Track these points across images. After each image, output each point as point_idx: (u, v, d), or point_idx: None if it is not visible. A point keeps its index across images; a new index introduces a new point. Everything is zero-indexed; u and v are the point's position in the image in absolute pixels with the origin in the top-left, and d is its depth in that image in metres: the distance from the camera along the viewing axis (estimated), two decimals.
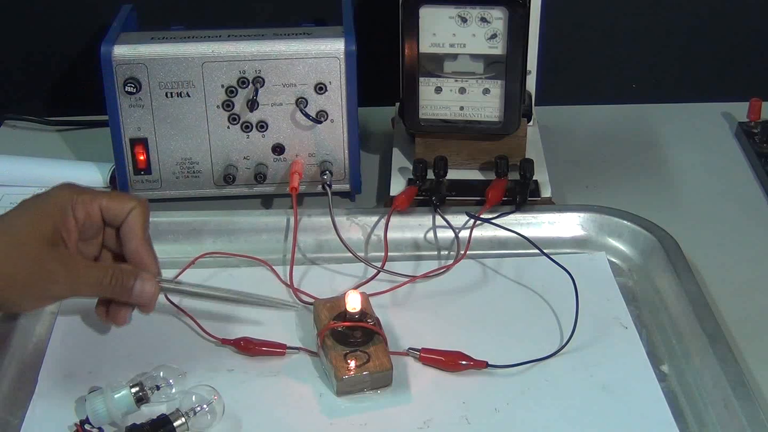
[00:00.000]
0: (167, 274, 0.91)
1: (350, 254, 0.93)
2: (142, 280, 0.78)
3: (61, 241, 0.76)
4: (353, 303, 0.83)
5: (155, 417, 0.75)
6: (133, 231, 0.80)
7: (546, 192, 1.01)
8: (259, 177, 1.03)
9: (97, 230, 0.80)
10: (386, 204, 1.02)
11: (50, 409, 0.78)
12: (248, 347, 0.84)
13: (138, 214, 0.80)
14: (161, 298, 0.89)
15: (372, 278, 0.92)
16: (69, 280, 0.76)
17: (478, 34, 0.96)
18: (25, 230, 0.75)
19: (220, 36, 1.00)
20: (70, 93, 1.26)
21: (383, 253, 0.94)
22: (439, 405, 0.79)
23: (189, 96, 0.99)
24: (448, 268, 0.93)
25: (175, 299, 0.89)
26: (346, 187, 1.04)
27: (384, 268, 0.92)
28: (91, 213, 0.79)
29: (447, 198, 0.99)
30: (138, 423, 0.75)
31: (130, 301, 0.79)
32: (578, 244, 0.98)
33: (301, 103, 1.00)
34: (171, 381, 0.78)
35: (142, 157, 1.02)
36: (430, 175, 1.01)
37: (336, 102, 1.00)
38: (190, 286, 0.83)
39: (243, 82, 0.99)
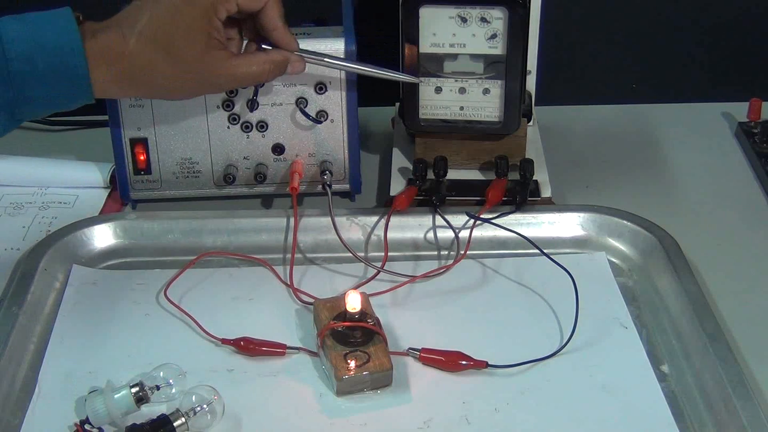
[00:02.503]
0: (167, 274, 0.92)
1: (350, 254, 0.94)
2: (292, 64, 0.89)
3: (216, 45, 0.83)
4: (353, 303, 0.83)
5: (155, 417, 0.75)
6: (274, 22, 0.87)
7: (546, 192, 1.01)
8: (259, 177, 1.03)
9: (242, 17, 0.87)
10: (386, 204, 1.02)
11: (50, 409, 0.78)
12: (248, 347, 0.84)
13: (273, 4, 0.86)
14: (163, 298, 0.89)
15: (372, 278, 0.92)
16: (230, 81, 0.87)
17: (478, 34, 0.96)
18: (184, 47, 0.81)
19: None
20: None
21: (383, 253, 0.94)
22: (439, 405, 0.79)
23: None
24: (448, 268, 0.93)
25: (176, 299, 0.89)
26: (346, 187, 1.04)
27: (384, 268, 0.92)
28: (230, 10, 0.84)
29: (447, 198, 0.99)
30: (138, 423, 0.75)
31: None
32: (578, 244, 0.98)
33: (301, 103, 1.00)
34: (171, 381, 0.78)
35: (142, 157, 1.01)
36: (430, 175, 1.01)
37: (336, 102, 1.00)
38: (328, 57, 0.93)
39: None
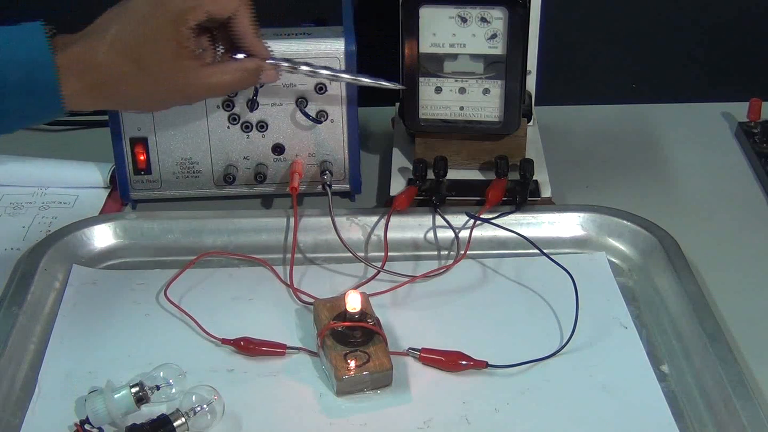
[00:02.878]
0: (167, 274, 0.92)
1: (350, 254, 0.94)
2: (266, 73, 0.87)
3: (186, 55, 0.81)
4: (353, 303, 0.83)
5: (155, 417, 0.75)
6: (245, 29, 0.85)
7: (546, 192, 1.01)
8: (259, 177, 1.03)
9: (212, 25, 0.85)
10: (386, 204, 1.02)
11: (50, 409, 0.78)
12: (248, 347, 0.84)
13: (244, 11, 0.84)
14: (163, 298, 0.89)
15: (372, 278, 0.92)
16: (200, 91, 0.84)
17: (478, 34, 0.96)
18: (153, 57, 0.80)
19: None
20: None
21: (383, 253, 0.94)
22: (439, 405, 0.79)
23: None
24: (448, 268, 0.93)
25: (176, 299, 0.89)
26: (346, 187, 1.04)
27: (384, 268, 0.92)
28: (200, 18, 0.82)
29: (447, 198, 0.99)
30: (138, 423, 0.75)
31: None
32: (578, 244, 0.98)
33: (301, 103, 1.00)
34: (171, 381, 0.78)
35: (142, 157, 1.02)
36: (430, 175, 1.01)
37: (336, 102, 1.00)
38: (302, 65, 0.92)
39: None
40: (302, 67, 0.91)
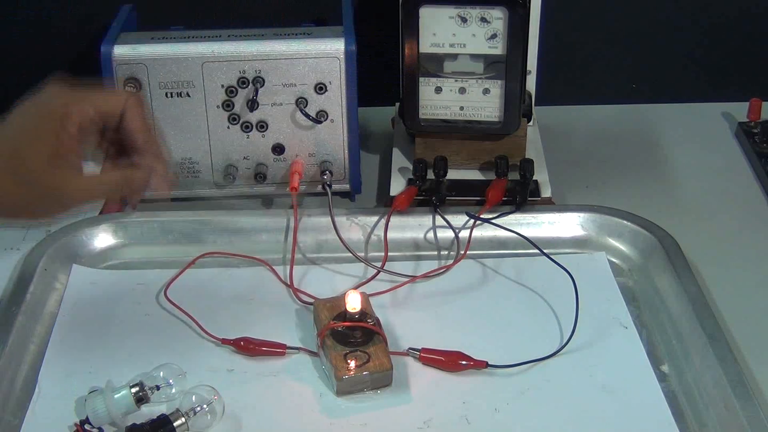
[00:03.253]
0: (167, 274, 0.92)
1: (350, 254, 0.94)
2: (155, 176, 0.78)
3: (67, 154, 0.75)
4: (353, 303, 0.83)
5: (155, 417, 0.75)
6: (134, 127, 0.78)
7: (546, 192, 1.01)
8: (259, 177, 1.03)
9: (95, 128, 0.78)
10: (386, 204, 1.02)
11: (50, 409, 0.78)
12: (248, 347, 0.84)
13: (134, 107, 0.78)
14: (163, 298, 0.89)
15: (372, 278, 0.92)
16: (81, 195, 0.76)
17: (478, 34, 0.96)
18: (27, 155, 0.74)
19: (220, 36, 1.00)
20: None
21: (383, 253, 0.94)
22: (439, 405, 0.79)
23: (189, 96, 0.99)
24: (448, 268, 0.93)
25: (176, 299, 0.89)
26: (346, 187, 1.04)
27: (384, 268, 0.92)
28: (86, 117, 0.76)
29: (447, 198, 0.99)
30: (138, 423, 0.75)
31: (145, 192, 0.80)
32: (578, 244, 0.98)
33: (301, 103, 1.00)
34: (171, 381, 0.78)
35: None
36: (430, 175, 1.01)
37: (336, 102, 1.00)
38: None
39: (243, 82, 0.99)
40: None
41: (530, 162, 1.00)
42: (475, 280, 0.93)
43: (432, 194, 0.98)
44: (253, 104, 0.99)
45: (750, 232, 1.01)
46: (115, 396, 0.76)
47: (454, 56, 0.98)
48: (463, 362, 0.82)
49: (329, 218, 0.96)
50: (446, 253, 0.97)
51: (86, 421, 0.76)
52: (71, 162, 0.75)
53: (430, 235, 0.98)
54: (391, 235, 0.95)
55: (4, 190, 0.74)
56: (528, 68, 1.00)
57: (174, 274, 0.92)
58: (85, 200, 0.78)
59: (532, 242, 0.92)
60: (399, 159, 1.07)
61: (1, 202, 0.74)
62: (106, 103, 0.78)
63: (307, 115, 1.00)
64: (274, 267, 0.94)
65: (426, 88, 0.99)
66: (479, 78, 0.98)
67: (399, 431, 0.77)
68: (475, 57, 0.97)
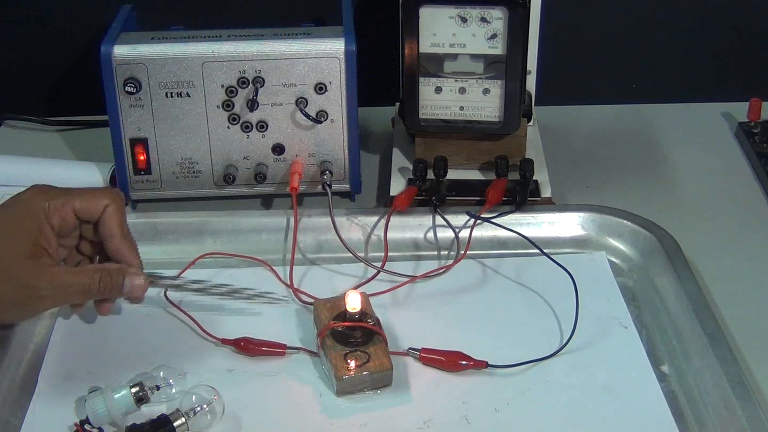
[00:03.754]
0: (167, 274, 0.92)
1: (350, 254, 0.93)
2: (131, 276, 0.79)
3: (43, 253, 0.76)
4: (353, 303, 0.83)
5: (155, 417, 0.75)
6: (111, 229, 0.80)
7: (546, 192, 1.01)
8: (259, 177, 1.03)
9: (75, 228, 0.80)
10: (386, 204, 1.02)
11: (50, 409, 0.78)
12: (248, 347, 0.84)
13: (113, 211, 0.79)
14: (163, 299, 0.89)
15: (372, 278, 0.92)
16: (58, 293, 0.76)
17: (478, 34, 0.96)
18: (6, 251, 0.75)
19: (220, 36, 1.00)
20: (70, 93, 1.26)
21: (383, 253, 0.94)
22: (439, 405, 0.79)
23: (189, 96, 0.99)
24: (448, 268, 0.93)
25: (176, 299, 0.89)
26: (346, 187, 1.04)
27: (384, 268, 0.92)
28: (66, 217, 0.78)
29: (447, 198, 0.99)
30: (138, 423, 0.75)
31: (120, 297, 0.80)
32: (578, 244, 0.98)
33: (301, 103, 1.00)
34: (171, 381, 0.78)
35: (142, 157, 1.02)
36: (430, 175, 1.01)
37: (336, 102, 1.00)
38: (177, 279, 0.86)
39: (243, 82, 0.99)
40: (178, 282, 0.86)
41: (530, 162, 1.00)
42: (475, 280, 0.93)
43: (432, 194, 0.98)
44: (253, 104, 0.99)
45: (750, 232, 1.01)
46: (115, 396, 0.76)
47: (454, 56, 0.98)
48: (463, 362, 0.82)
49: (329, 218, 0.96)
50: (446, 253, 0.97)
51: (86, 421, 0.76)
52: (47, 261, 0.76)
53: (430, 235, 0.98)
54: (391, 235, 0.95)
55: None
56: (528, 68, 1.00)
57: (174, 274, 0.92)
58: (58, 299, 0.78)
59: (532, 242, 0.92)
60: (399, 159, 1.07)
61: None
62: (85, 204, 0.78)
63: (307, 115, 1.00)
64: (274, 267, 0.94)
65: (426, 88, 0.99)
66: (479, 78, 0.98)
67: (399, 431, 0.77)
68: (475, 57, 0.97)
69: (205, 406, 0.76)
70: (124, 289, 0.79)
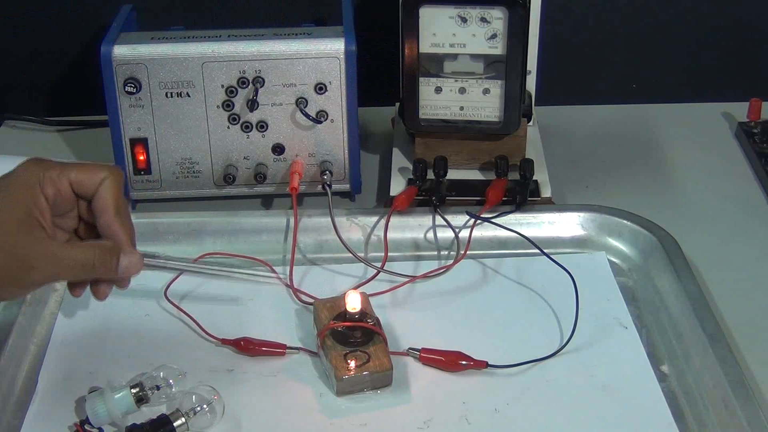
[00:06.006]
0: (167, 274, 0.92)
1: (350, 254, 0.93)
2: (126, 255, 0.76)
3: (36, 224, 0.73)
4: (353, 303, 0.83)
5: (155, 417, 0.75)
6: (105, 203, 0.76)
7: (546, 192, 1.01)
8: (259, 177, 1.03)
9: (71, 204, 0.77)
10: (386, 204, 1.02)
11: (50, 409, 0.78)
12: (248, 347, 0.84)
13: (110, 184, 0.76)
14: (163, 299, 0.89)
15: (372, 278, 0.92)
16: (48, 266, 0.73)
17: (478, 34, 0.96)
18: None
19: (220, 36, 1.00)
20: (70, 93, 1.26)
21: (383, 253, 0.94)
22: (439, 405, 0.79)
23: (189, 96, 0.99)
24: (448, 268, 0.93)
25: (176, 299, 0.89)
26: (346, 187, 1.04)
27: (384, 268, 0.92)
28: (62, 189, 0.76)
29: (447, 198, 0.99)
30: (138, 423, 0.75)
31: (115, 278, 0.77)
32: (578, 243, 0.98)
33: (301, 103, 1.00)
34: (171, 381, 0.78)
35: (142, 157, 1.02)
36: (430, 175, 1.01)
37: (336, 102, 1.00)
38: (172, 259, 0.83)
39: (243, 82, 0.99)
40: (171, 262, 0.83)
41: (530, 162, 1.00)
42: (475, 280, 0.93)
43: (432, 194, 0.98)
44: (253, 104, 0.99)
45: (750, 232, 1.01)
46: (115, 396, 0.76)
47: (454, 56, 0.98)
48: (463, 362, 0.82)
49: (329, 218, 0.96)
50: (446, 253, 0.97)
51: (86, 421, 0.76)
52: (40, 232, 0.73)
53: (430, 235, 0.98)
54: (391, 235, 0.95)
55: None
56: (528, 68, 1.00)
57: (174, 274, 0.92)
58: (50, 273, 0.74)
59: (532, 242, 0.92)
60: (399, 159, 1.07)
61: None
62: (81, 176, 0.76)
63: (307, 115, 1.00)
64: (274, 267, 0.94)
65: (426, 88, 0.99)
66: (479, 78, 0.98)
67: (399, 431, 0.77)
68: (475, 57, 0.97)
69: (205, 406, 0.76)
70: (119, 267, 0.75)
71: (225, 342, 0.85)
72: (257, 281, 0.87)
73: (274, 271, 0.93)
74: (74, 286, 0.79)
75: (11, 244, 0.72)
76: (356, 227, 0.98)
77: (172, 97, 0.99)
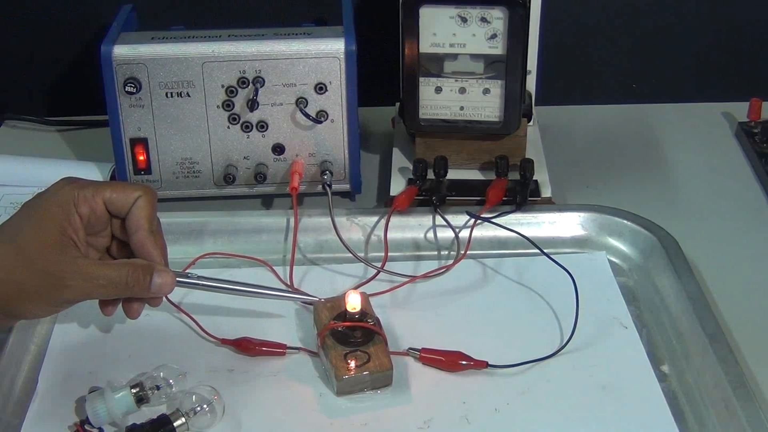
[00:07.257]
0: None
1: (350, 254, 0.93)
2: (159, 273, 0.77)
3: (69, 243, 0.75)
4: (353, 303, 0.83)
5: (155, 417, 0.75)
6: (138, 222, 0.78)
7: (546, 192, 1.01)
8: (259, 177, 1.03)
9: (105, 223, 0.79)
10: (386, 204, 1.02)
11: (50, 409, 0.78)
12: (248, 347, 0.84)
13: (143, 203, 0.78)
14: (163, 299, 0.89)
15: (372, 278, 0.92)
16: (82, 284, 0.74)
17: (478, 34, 0.96)
18: (32, 237, 0.74)
19: (220, 36, 1.00)
20: (70, 93, 1.26)
21: (383, 253, 0.94)
22: (439, 405, 0.79)
23: (189, 96, 0.99)
24: (448, 268, 0.93)
25: (176, 299, 0.89)
26: (346, 187, 1.04)
27: (384, 268, 0.92)
28: (96, 208, 0.77)
29: (447, 198, 0.99)
30: (138, 423, 0.75)
31: (147, 297, 0.78)
32: (578, 243, 0.98)
33: (301, 103, 1.00)
34: (171, 381, 0.78)
35: (142, 157, 1.02)
36: (430, 175, 1.01)
37: (336, 102, 1.00)
38: (207, 279, 0.82)
39: (243, 82, 0.99)
40: (203, 283, 0.82)
41: (530, 162, 1.00)
42: (475, 280, 0.93)
43: (432, 194, 0.98)
44: (253, 104, 0.99)
45: (750, 232, 1.01)
46: (115, 396, 0.76)
47: (454, 56, 0.98)
48: (463, 362, 0.82)
49: (329, 218, 0.96)
50: (446, 253, 0.97)
51: (86, 421, 0.76)
52: (73, 251, 0.74)
53: (430, 235, 0.98)
54: (391, 235, 0.95)
55: (5, 264, 0.72)
56: (528, 68, 1.00)
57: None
58: (84, 292, 0.75)
59: (532, 242, 0.92)
60: (399, 159, 1.07)
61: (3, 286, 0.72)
62: (116, 195, 0.77)
63: (307, 115, 1.00)
64: (274, 267, 0.94)
65: (426, 88, 0.99)
66: (479, 78, 0.98)
67: (399, 431, 0.77)
68: (475, 57, 0.97)
69: (205, 406, 0.76)
70: (152, 287, 0.76)
71: (225, 342, 0.85)
72: (292, 300, 0.86)
73: (274, 271, 0.93)
74: (106, 304, 0.80)
75: (45, 263, 0.73)
76: (356, 227, 0.98)
77: (172, 97, 0.99)
